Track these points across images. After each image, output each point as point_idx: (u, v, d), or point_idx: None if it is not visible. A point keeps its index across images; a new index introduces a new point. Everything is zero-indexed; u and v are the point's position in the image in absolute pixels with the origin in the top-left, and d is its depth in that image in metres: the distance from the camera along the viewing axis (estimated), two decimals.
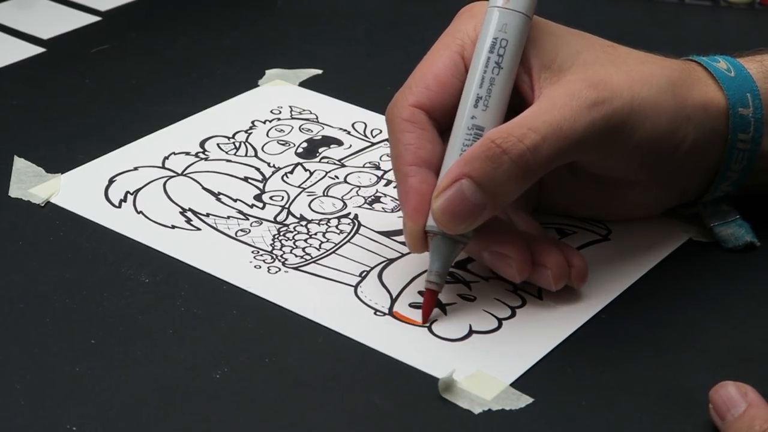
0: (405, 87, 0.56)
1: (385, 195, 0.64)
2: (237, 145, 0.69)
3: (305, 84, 0.76)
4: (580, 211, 0.61)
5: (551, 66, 0.55)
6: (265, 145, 0.69)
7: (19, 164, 0.67)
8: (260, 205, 0.64)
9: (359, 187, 0.65)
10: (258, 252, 0.60)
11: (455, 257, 0.55)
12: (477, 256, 0.57)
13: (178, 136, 0.70)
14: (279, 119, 0.72)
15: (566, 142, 0.53)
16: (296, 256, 0.60)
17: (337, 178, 0.66)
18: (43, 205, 0.64)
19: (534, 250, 0.55)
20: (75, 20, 0.85)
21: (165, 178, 0.66)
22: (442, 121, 0.56)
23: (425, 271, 0.58)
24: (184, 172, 0.66)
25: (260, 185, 0.65)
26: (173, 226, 0.62)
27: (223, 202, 0.64)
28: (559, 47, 0.55)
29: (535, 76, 0.55)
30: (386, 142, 0.69)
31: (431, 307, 0.55)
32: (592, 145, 0.54)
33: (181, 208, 0.63)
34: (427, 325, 0.55)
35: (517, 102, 0.55)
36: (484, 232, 0.55)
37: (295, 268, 0.59)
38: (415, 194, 0.54)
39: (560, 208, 0.61)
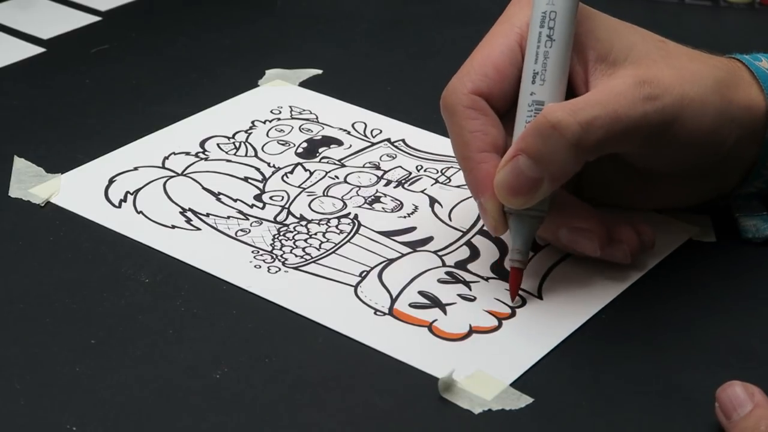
0: (462, 74, 0.56)
1: (385, 195, 0.64)
2: (237, 145, 0.69)
3: (305, 84, 0.76)
4: (612, 198, 0.61)
5: (606, 58, 0.55)
6: (265, 145, 0.69)
7: (19, 164, 0.67)
8: (260, 205, 0.64)
9: (359, 187, 0.65)
10: (258, 252, 0.60)
11: (534, 232, 0.56)
12: (554, 236, 0.58)
13: (178, 136, 0.70)
14: (279, 119, 0.72)
15: (620, 126, 0.53)
16: (296, 256, 0.60)
17: (337, 178, 0.66)
18: (43, 205, 0.64)
19: (607, 224, 0.57)
20: (75, 20, 0.85)
21: (165, 178, 0.66)
22: (501, 109, 0.56)
23: (425, 271, 0.58)
24: (184, 172, 0.66)
25: (260, 185, 0.65)
26: (173, 226, 0.62)
27: (223, 202, 0.64)
28: (614, 39, 0.56)
29: (590, 69, 0.56)
30: (386, 143, 0.69)
31: (518, 284, 0.56)
32: (643, 137, 0.54)
33: (181, 208, 0.63)
34: (428, 324, 0.55)
35: (571, 96, 0.56)
36: (561, 210, 0.56)
37: (295, 268, 0.59)
38: (492, 178, 0.55)
39: (599, 197, 0.61)
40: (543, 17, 0.55)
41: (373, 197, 0.64)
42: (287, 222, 0.62)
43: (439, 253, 0.60)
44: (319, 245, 0.60)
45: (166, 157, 0.68)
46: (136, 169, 0.67)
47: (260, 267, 0.59)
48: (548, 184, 0.54)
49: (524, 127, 0.55)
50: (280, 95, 0.74)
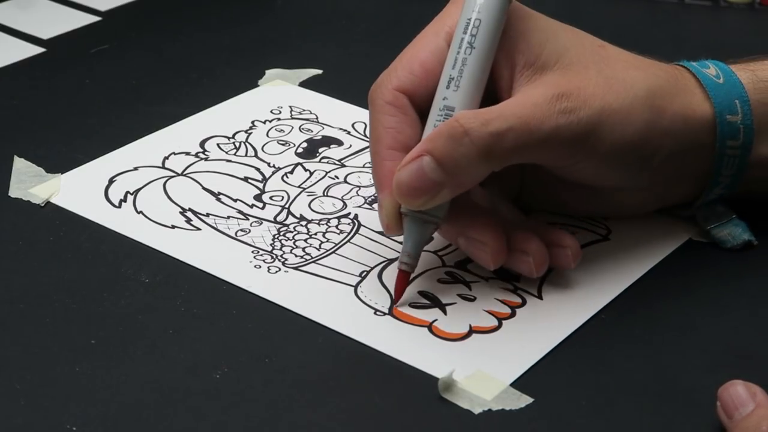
0: (390, 70, 0.57)
1: None
2: (237, 145, 0.69)
3: (305, 84, 0.76)
4: (559, 207, 0.61)
5: (534, 63, 0.55)
6: (265, 145, 0.69)
7: (19, 164, 0.67)
8: (260, 205, 0.64)
9: (359, 187, 0.65)
10: (258, 252, 0.60)
11: (427, 238, 0.56)
12: (454, 241, 0.57)
13: (178, 136, 0.70)
14: (279, 119, 0.72)
15: (531, 138, 0.53)
16: (296, 255, 0.60)
17: (337, 178, 0.66)
18: (43, 205, 0.64)
19: (514, 237, 0.56)
20: (75, 20, 0.85)
21: (165, 178, 0.66)
22: (424, 107, 0.56)
23: (425, 271, 0.58)
24: (184, 172, 0.66)
25: (260, 185, 0.65)
26: (173, 226, 0.62)
27: (223, 202, 0.64)
28: (546, 43, 0.55)
29: (516, 74, 0.55)
30: None
31: (403, 288, 0.56)
32: (557, 149, 0.54)
33: (181, 208, 0.63)
34: (428, 324, 0.55)
35: (492, 100, 0.55)
36: (460, 218, 0.56)
37: (295, 268, 0.59)
38: (392, 177, 0.54)
39: (549, 205, 0.61)
40: (467, 24, 0.55)
41: (373, 197, 0.64)
42: (287, 222, 0.62)
43: (439, 253, 0.60)
44: (319, 245, 0.60)
45: (166, 157, 0.68)
46: (136, 169, 0.67)
47: (260, 267, 0.59)
48: (449, 189, 0.53)
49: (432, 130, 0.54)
50: (280, 95, 0.74)
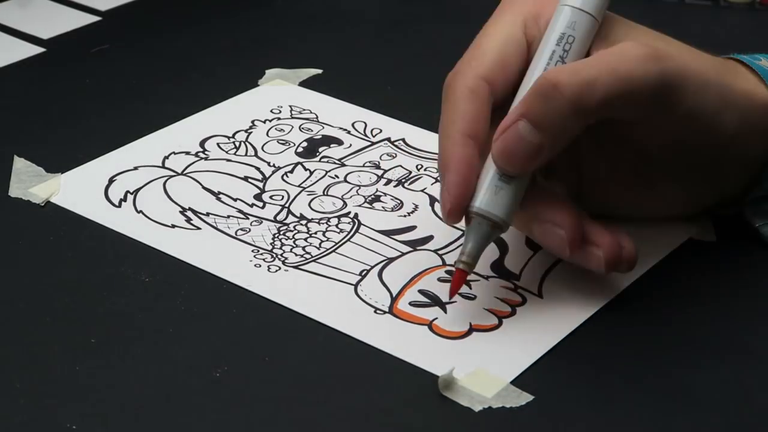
0: (469, 58, 0.56)
1: (385, 194, 0.64)
2: (237, 144, 0.69)
3: (305, 84, 0.76)
4: (617, 209, 0.60)
5: (607, 38, 0.55)
6: (265, 144, 0.69)
7: (19, 164, 0.67)
8: (260, 204, 0.64)
9: (359, 186, 0.65)
10: (258, 251, 0.60)
11: (488, 243, 0.55)
12: (527, 229, 0.56)
13: (178, 135, 0.70)
14: (279, 119, 0.72)
15: (622, 85, 0.53)
16: (296, 254, 0.60)
17: (337, 177, 0.66)
18: (43, 205, 0.64)
19: (586, 228, 0.55)
20: (75, 20, 0.85)
21: (165, 178, 0.66)
22: (499, 98, 0.56)
23: (425, 270, 0.58)
24: (184, 172, 0.66)
25: (260, 184, 0.65)
26: (173, 226, 0.62)
27: (223, 202, 0.64)
28: (612, 25, 0.56)
29: (592, 49, 0.55)
30: (386, 142, 0.69)
31: (459, 286, 0.55)
32: (645, 100, 0.53)
33: (181, 207, 0.63)
34: (428, 322, 0.55)
35: None
36: (534, 203, 0.55)
37: (296, 267, 0.59)
38: (466, 165, 0.54)
39: (598, 207, 0.60)
40: (561, 37, 0.55)
41: (373, 196, 0.64)
42: (287, 221, 0.62)
43: (440, 252, 0.60)
44: (319, 244, 0.60)
45: (166, 157, 0.68)
46: (136, 168, 0.67)
47: (260, 266, 0.59)
48: (548, 148, 0.53)
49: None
50: (280, 95, 0.74)
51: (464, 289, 0.57)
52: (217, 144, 0.69)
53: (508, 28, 0.56)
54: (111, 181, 0.66)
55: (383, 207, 0.63)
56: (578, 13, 0.55)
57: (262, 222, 0.62)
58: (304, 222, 0.62)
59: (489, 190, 0.54)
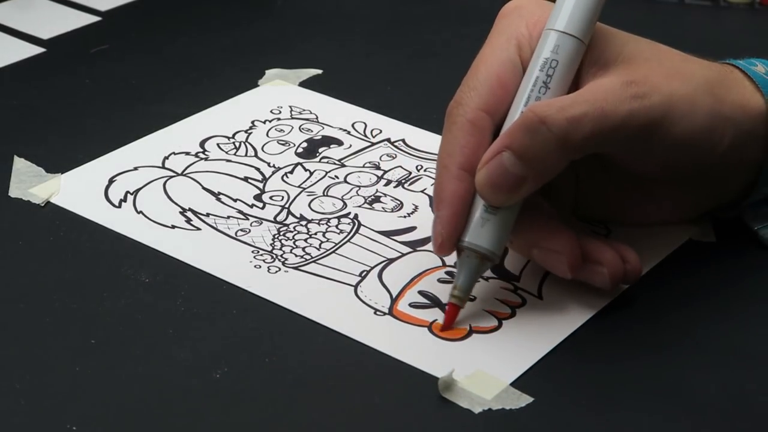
0: (469, 87, 0.56)
1: (385, 195, 0.64)
2: (237, 145, 0.69)
3: (305, 84, 0.76)
4: (615, 215, 0.61)
5: (598, 61, 0.55)
6: (265, 145, 0.69)
7: (19, 164, 0.67)
8: (260, 205, 0.64)
9: (359, 186, 0.65)
10: (258, 252, 0.60)
11: (479, 275, 0.55)
12: (528, 255, 0.57)
13: (178, 136, 0.70)
14: (279, 119, 0.72)
15: (607, 123, 0.53)
16: (296, 255, 0.60)
17: (337, 177, 0.66)
18: (43, 205, 0.64)
19: (587, 247, 0.55)
20: (75, 20, 0.85)
21: (165, 178, 0.66)
22: (500, 124, 0.56)
23: (425, 271, 0.58)
24: (184, 172, 0.66)
25: (260, 185, 0.65)
26: (173, 226, 0.62)
27: (223, 202, 0.64)
28: (605, 43, 0.56)
29: (583, 72, 0.55)
30: (386, 142, 0.69)
31: (452, 321, 0.55)
32: (630, 135, 0.54)
33: (181, 208, 0.63)
34: (428, 324, 0.55)
35: None
36: (531, 230, 0.55)
37: (295, 268, 0.59)
38: (459, 200, 0.54)
39: (596, 214, 0.61)
40: (544, 63, 0.55)
41: (373, 197, 0.64)
42: (287, 222, 0.62)
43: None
44: (319, 245, 0.60)
45: (166, 157, 0.68)
46: (136, 169, 0.67)
47: (260, 267, 0.59)
48: (532, 181, 0.53)
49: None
50: (280, 95, 0.74)
51: None
52: (217, 144, 0.69)
53: (502, 53, 0.56)
54: (111, 181, 0.66)
55: (383, 208, 0.63)
56: (563, 36, 0.55)
57: (262, 223, 0.62)
58: (304, 223, 0.62)
59: (476, 223, 0.54)
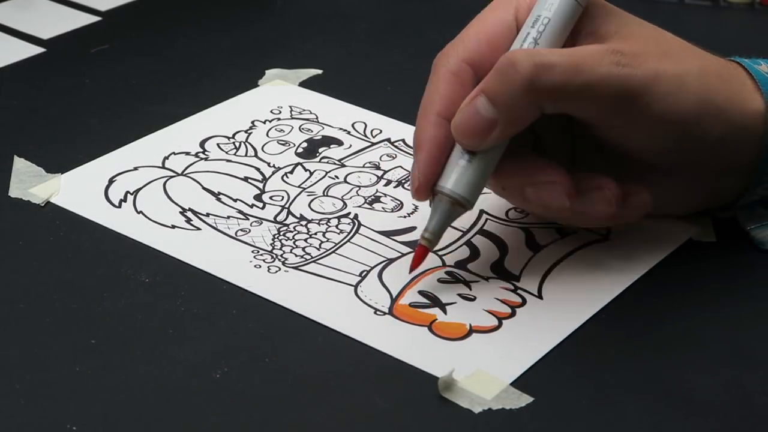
0: (457, 40, 0.57)
1: (385, 195, 0.64)
2: (237, 145, 0.69)
3: (305, 84, 0.76)
4: None
5: (596, 33, 0.56)
6: (265, 145, 0.69)
7: (19, 164, 0.67)
8: (260, 205, 0.64)
9: (359, 187, 0.65)
10: (258, 252, 0.60)
11: (453, 220, 0.56)
12: (521, 198, 0.57)
13: (178, 136, 0.70)
14: (279, 119, 0.72)
15: (579, 78, 0.53)
16: (296, 255, 0.60)
17: (337, 178, 0.66)
18: (43, 205, 0.64)
19: (581, 179, 0.56)
20: (75, 20, 0.85)
21: (165, 178, 0.66)
22: (483, 78, 0.56)
23: (425, 271, 0.58)
24: (184, 172, 0.66)
25: (260, 185, 0.65)
26: (173, 226, 0.62)
27: (223, 202, 0.64)
28: (608, 17, 0.56)
29: (578, 42, 0.56)
30: (386, 143, 0.69)
31: (420, 261, 0.56)
32: (605, 100, 0.54)
33: (181, 208, 0.63)
34: (428, 324, 0.55)
35: None
36: (522, 170, 0.56)
37: (295, 268, 0.59)
38: (437, 146, 0.55)
39: None
40: (536, 20, 0.55)
41: (373, 197, 0.64)
42: (287, 222, 0.62)
43: (439, 253, 0.60)
44: (319, 245, 0.60)
45: (166, 157, 0.68)
46: (136, 169, 0.67)
47: (260, 267, 0.59)
48: (501, 127, 0.54)
49: None
50: (280, 95, 0.74)
51: (464, 290, 0.57)
52: (217, 144, 0.69)
53: (500, 12, 0.57)
54: (111, 181, 0.66)
55: (383, 208, 0.63)
56: None
57: (262, 222, 0.62)
58: (304, 223, 0.62)
59: (449, 169, 0.55)
